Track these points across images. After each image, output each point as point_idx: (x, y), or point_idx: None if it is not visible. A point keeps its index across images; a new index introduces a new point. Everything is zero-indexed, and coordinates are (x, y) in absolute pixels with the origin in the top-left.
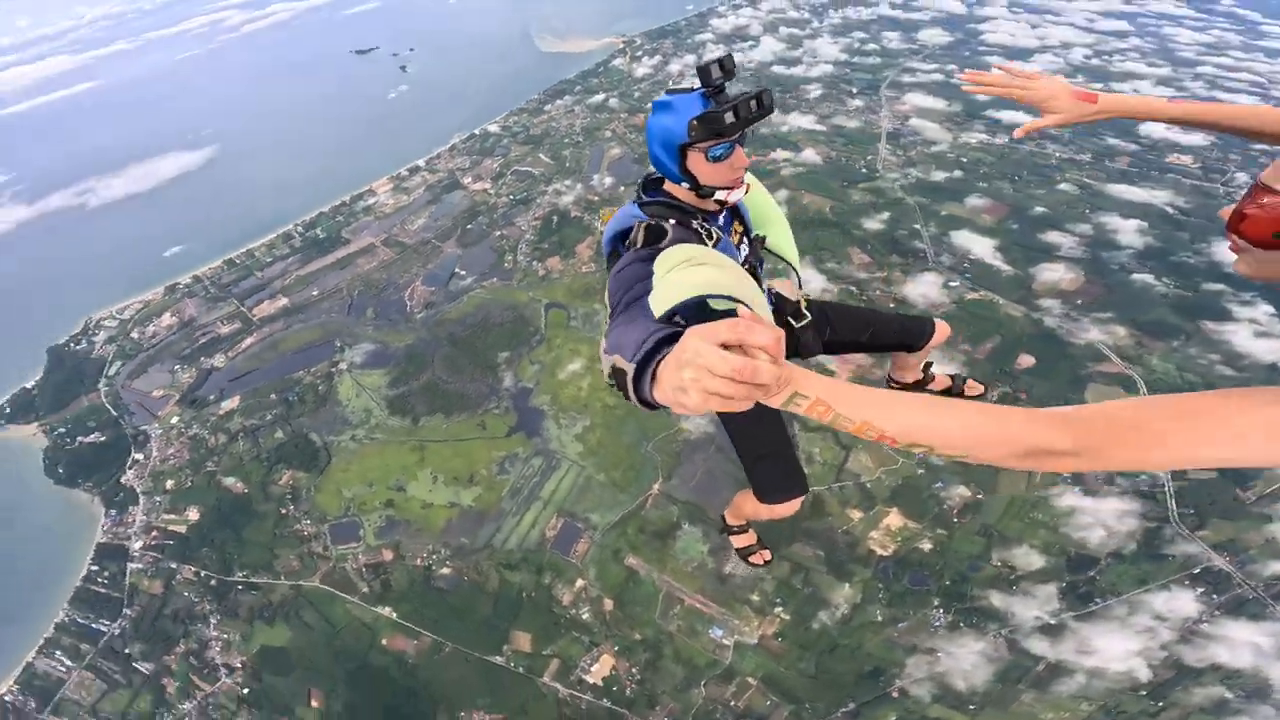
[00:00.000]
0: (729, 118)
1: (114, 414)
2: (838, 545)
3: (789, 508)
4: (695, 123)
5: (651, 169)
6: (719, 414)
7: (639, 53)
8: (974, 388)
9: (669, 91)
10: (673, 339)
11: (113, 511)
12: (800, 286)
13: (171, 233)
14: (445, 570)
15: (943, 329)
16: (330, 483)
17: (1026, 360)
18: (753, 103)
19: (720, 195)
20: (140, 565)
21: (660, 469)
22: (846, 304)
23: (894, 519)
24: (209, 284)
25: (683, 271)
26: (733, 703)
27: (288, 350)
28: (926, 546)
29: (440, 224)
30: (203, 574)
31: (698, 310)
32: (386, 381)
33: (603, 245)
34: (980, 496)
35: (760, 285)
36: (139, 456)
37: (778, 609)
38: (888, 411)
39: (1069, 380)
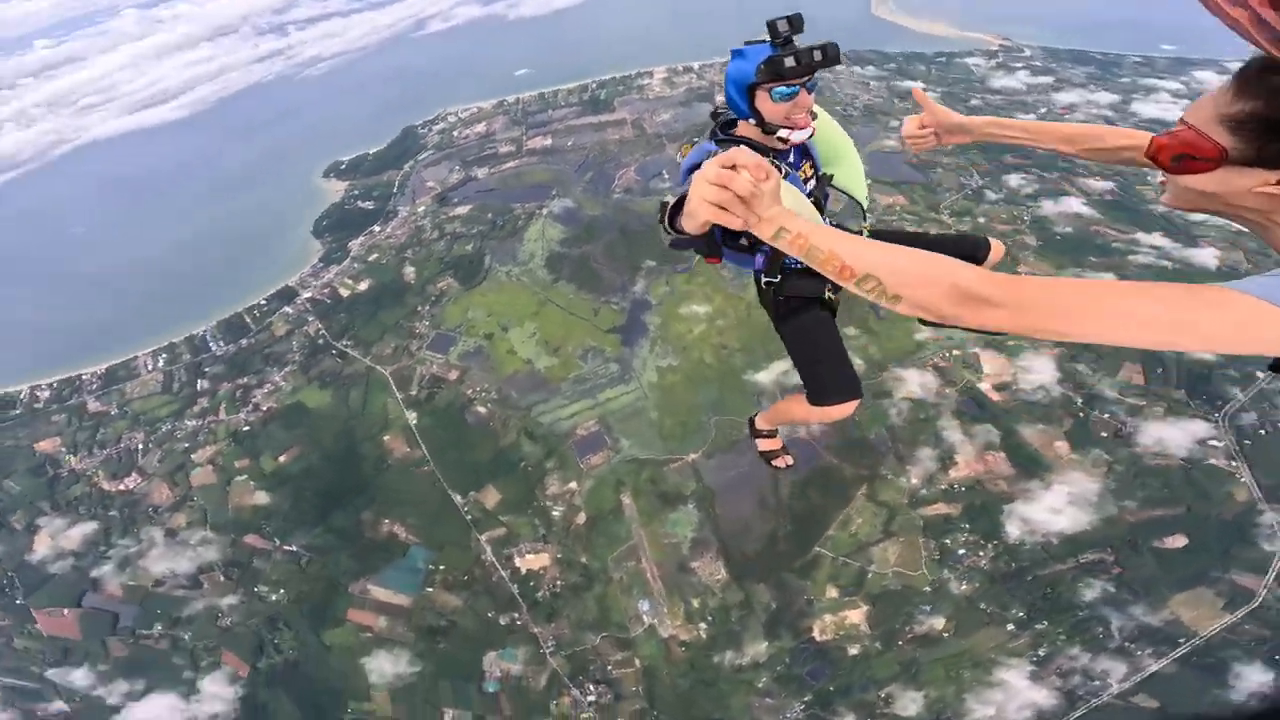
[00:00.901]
0: (789, 62)
1: (392, 191)
2: (793, 606)
3: (845, 409)
4: (763, 66)
5: (724, 109)
6: (779, 324)
7: (1017, 63)
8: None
9: (746, 43)
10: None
11: (319, 264)
12: (865, 219)
13: (531, 56)
14: (480, 409)
15: (998, 248)
16: (467, 300)
17: None
18: (816, 52)
19: (783, 133)
20: (289, 310)
21: (710, 444)
22: (905, 229)
23: (856, 615)
24: (519, 109)
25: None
26: (609, 667)
27: (523, 184)
28: (854, 650)
29: (677, 126)
30: (317, 332)
31: None
32: (560, 237)
33: (680, 176)
34: (946, 635)
35: (824, 217)
36: (375, 228)
37: (703, 625)
38: (850, 245)
39: None
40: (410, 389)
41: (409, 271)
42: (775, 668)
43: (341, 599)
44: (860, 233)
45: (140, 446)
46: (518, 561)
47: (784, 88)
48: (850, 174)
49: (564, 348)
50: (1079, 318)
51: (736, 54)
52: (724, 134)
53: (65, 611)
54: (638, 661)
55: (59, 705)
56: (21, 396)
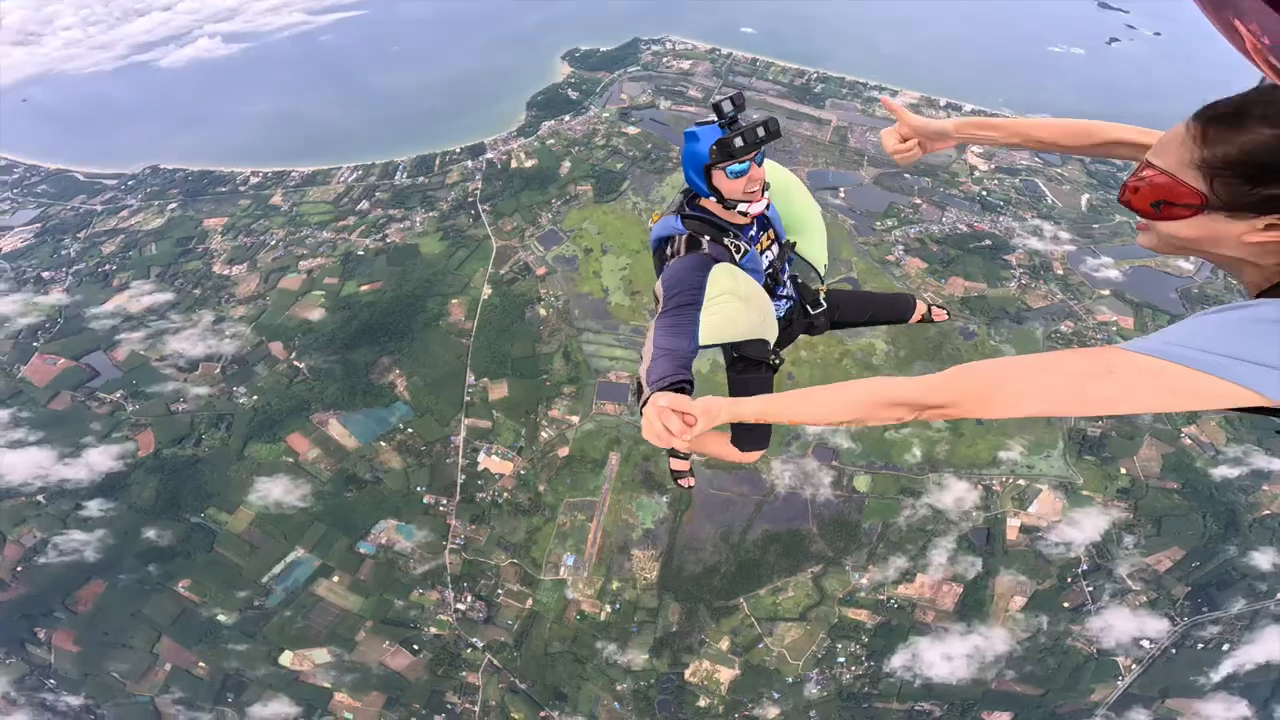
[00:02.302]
0: (738, 142)
1: (595, 89)
2: (687, 638)
3: (752, 457)
4: (714, 147)
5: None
6: (728, 369)
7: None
8: (939, 314)
9: (695, 124)
10: (674, 386)
11: (513, 133)
12: (823, 283)
13: (764, 20)
14: (541, 310)
15: (920, 304)
16: (591, 212)
17: None
18: (759, 129)
19: (742, 208)
20: (469, 164)
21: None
22: (852, 290)
23: (725, 675)
24: (727, 63)
25: (725, 304)
26: (499, 591)
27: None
28: (703, 703)
29: (884, 157)
30: (473, 190)
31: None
32: None
33: (651, 243)
34: None
35: (782, 281)
36: (566, 117)
37: (608, 608)
38: (806, 408)
39: None
40: (502, 268)
41: (565, 165)
42: (640, 682)
43: (296, 422)
44: (817, 293)
45: (272, 242)
46: (482, 457)
47: (736, 165)
48: (811, 241)
49: (642, 295)
50: (997, 402)
51: (689, 136)
52: (690, 208)
53: (59, 360)
54: (529, 602)
55: None
56: (238, 177)
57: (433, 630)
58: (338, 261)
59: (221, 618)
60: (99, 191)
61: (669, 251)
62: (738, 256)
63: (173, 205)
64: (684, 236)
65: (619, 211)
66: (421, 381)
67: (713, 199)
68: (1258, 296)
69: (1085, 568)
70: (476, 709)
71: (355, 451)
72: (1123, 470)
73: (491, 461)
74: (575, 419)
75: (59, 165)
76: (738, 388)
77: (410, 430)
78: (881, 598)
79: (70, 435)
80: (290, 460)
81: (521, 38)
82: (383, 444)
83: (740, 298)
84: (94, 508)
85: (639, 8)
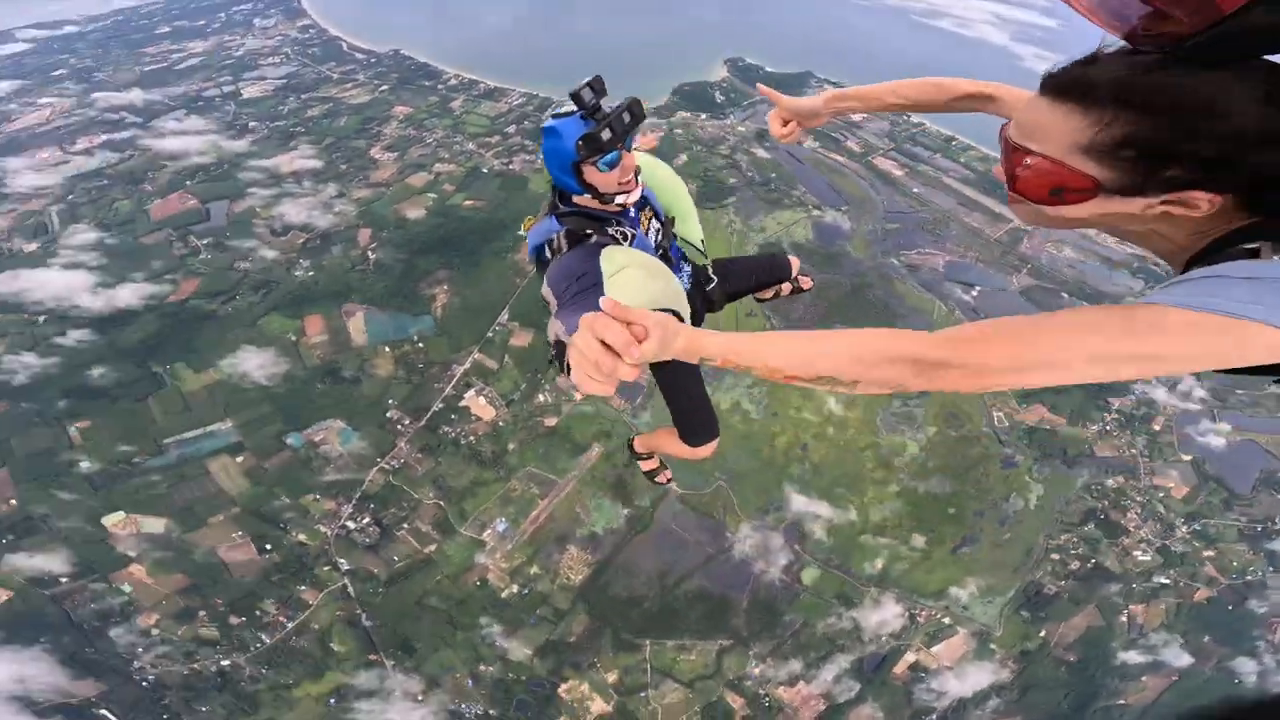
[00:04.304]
0: (606, 135)
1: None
2: (580, 655)
3: (708, 449)
4: (580, 143)
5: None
6: (654, 371)
7: None
8: (805, 281)
9: (552, 116)
10: None
11: (650, 109)
12: (706, 257)
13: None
14: None
15: (794, 260)
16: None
17: None
18: (625, 115)
19: (620, 199)
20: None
21: (718, 502)
22: (735, 258)
23: (599, 706)
24: (911, 133)
25: (629, 275)
26: (405, 524)
27: (831, 179)
28: None
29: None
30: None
31: None
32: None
33: (529, 255)
34: None
35: (674, 260)
36: (703, 115)
37: (514, 588)
38: (785, 352)
39: None
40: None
41: (681, 158)
42: (509, 674)
43: (325, 305)
44: (706, 269)
45: (429, 140)
46: (469, 394)
47: (608, 157)
48: (686, 221)
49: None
50: (1027, 369)
51: (548, 132)
52: (563, 205)
53: (189, 200)
54: (433, 548)
55: None
56: (444, 75)
57: (300, 537)
58: (464, 172)
59: (84, 465)
60: (346, 62)
61: (548, 254)
62: (626, 243)
63: (384, 87)
64: (563, 232)
65: (710, 220)
66: (460, 304)
67: (587, 195)
68: (1185, 268)
69: None
70: (290, 624)
71: (357, 349)
72: (1042, 633)
73: (476, 402)
74: (577, 395)
75: (336, 32)
76: (664, 378)
77: (421, 345)
78: (761, 692)
79: (126, 268)
80: (292, 339)
81: (701, 26)
82: (387, 349)
83: (641, 267)
84: (72, 337)
85: (838, 43)
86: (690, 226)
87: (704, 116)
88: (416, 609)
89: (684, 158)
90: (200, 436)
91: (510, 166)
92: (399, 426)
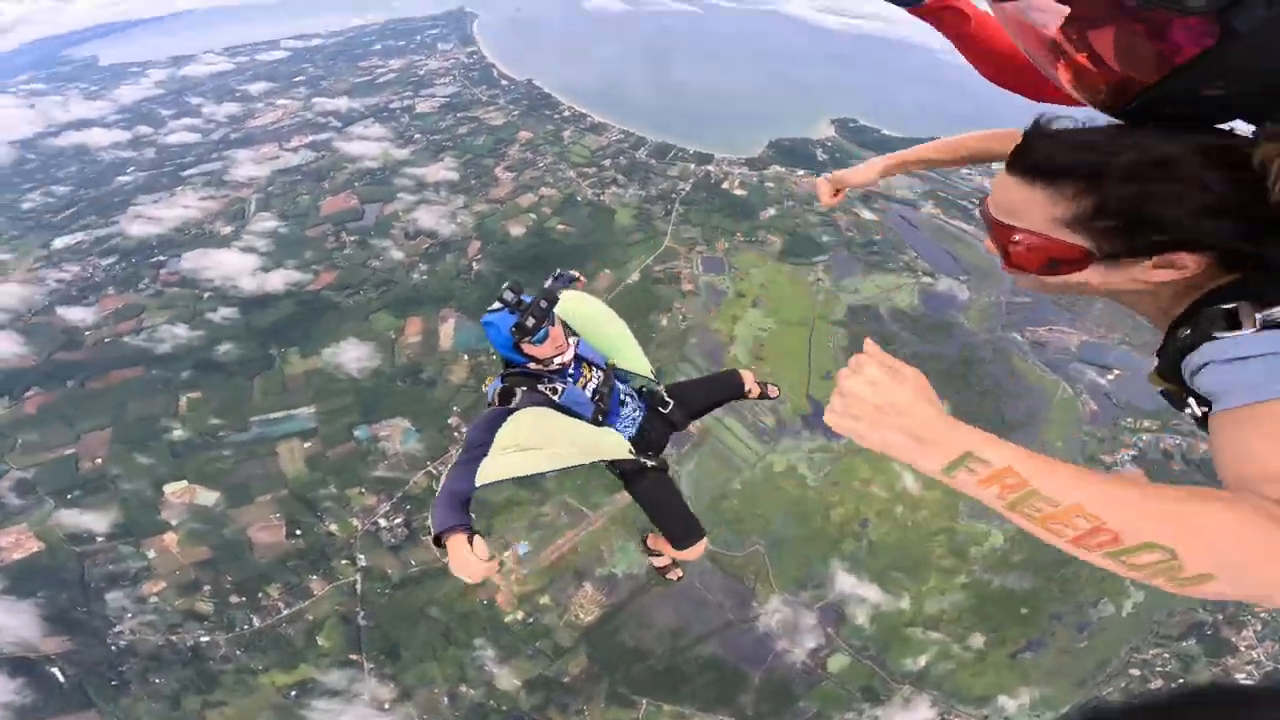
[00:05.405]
0: (530, 323)
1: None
2: (570, 698)
3: (696, 551)
4: (513, 331)
5: None
6: (626, 486)
7: None
8: (772, 390)
9: (488, 312)
10: (455, 530)
11: (743, 160)
12: (659, 383)
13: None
14: (663, 321)
15: (748, 375)
16: (770, 265)
17: None
18: (542, 302)
19: (558, 360)
20: (690, 165)
21: (755, 569)
22: (686, 380)
23: None
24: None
25: (505, 456)
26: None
27: (938, 244)
28: None
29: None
30: (684, 193)
31: None
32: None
33: (488, 396)
34: None
35: (618, 403)
36: (800, 172)
37: (519, 615)
38: (1103, 495)
39: None
40: (659, 265)
41: (769, 211)
42: (491, 700)
43: (427, 309)
44: (660, 394)
45: (541, 164)
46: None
47: (537, 335)
48: (627, 355)
49: (764, 363)
50: None
51: (488, 325)
52: (510, 367)
53: (353, 200)
54: (448, 559)
55: None
56: (561, 106)
57: (332, 528)
58: (562, 198)
59: (176, 433)
60: (493, 86)
61: (486, 405)
62: (555, 397)
63: (516, 112)
64: (498, 389)
65: (796, 277)
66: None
67: (531, 363)
68: (1171, 329)
69: None
70: (286, 610)
71: (441, 353)
72: None
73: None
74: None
75: (491, 59)
76: (645, 500)
77: (494, 358)
78: None
79: (285, 256)
80: (392, 336)
81: (809, 86)
82: (465, 357)
83: (523, 449)
84: (220, 314)
85: (967, 115)
86: (630, 357)
87: (801, 172)
88: (415, 616)
89: (773, 211)
90: (283, 419)
91: (601, 198)
92: (455, 434)
